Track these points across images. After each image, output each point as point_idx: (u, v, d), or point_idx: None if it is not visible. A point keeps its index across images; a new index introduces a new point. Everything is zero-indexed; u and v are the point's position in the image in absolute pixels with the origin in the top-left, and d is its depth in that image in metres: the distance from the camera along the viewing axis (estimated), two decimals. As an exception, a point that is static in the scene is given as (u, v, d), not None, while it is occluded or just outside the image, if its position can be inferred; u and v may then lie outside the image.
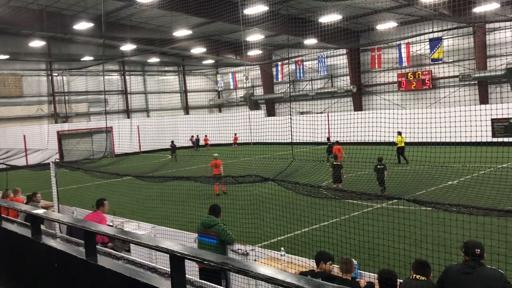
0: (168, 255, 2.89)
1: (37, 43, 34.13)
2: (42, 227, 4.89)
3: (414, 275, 5.00)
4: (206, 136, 41.01)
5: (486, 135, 21.59)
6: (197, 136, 41.57)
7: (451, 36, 31.77)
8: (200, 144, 41.83)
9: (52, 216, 4.60)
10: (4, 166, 16.52)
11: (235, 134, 36.76)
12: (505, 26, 28.03)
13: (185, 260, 2.86)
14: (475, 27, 29.88)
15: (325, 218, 10.11)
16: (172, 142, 34.73)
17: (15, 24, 29.00)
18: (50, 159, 12.00)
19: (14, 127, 35.01)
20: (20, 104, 37.22)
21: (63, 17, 28.33)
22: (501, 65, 29.06)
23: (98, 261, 3.46)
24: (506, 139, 24.91)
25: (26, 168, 17.30)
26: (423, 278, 4.94)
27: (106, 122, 26.17)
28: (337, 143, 23.37)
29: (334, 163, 17.09)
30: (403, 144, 23.13)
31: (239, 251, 7.57)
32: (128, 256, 4.06)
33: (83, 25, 27.68)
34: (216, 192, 17.21)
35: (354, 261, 6.28)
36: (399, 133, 22.83)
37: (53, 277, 4.01)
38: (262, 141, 32.83)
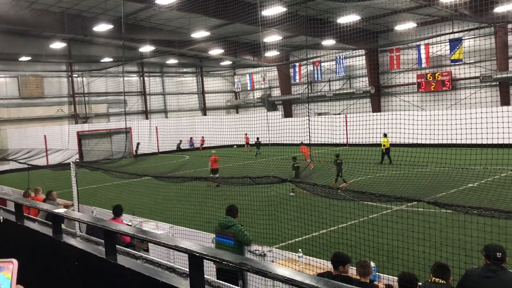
0: (186, 255, 2.90)
1: (58, 45, 34.68)
2: (63, 226, 4.96)
3: (433, 279, 4.93)
4: (202, 137, 40.93)
5: (508, 137, 21.21)
6: (180, 141, 41.48)
7: (472, 36, 31.30)
8: (188, 147, 41.57)
9: (73, 216, 4.66)
10: (25, 166, 16.80)
11: (246, 134, 36.59)
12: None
13: (203, 260, 2.87)
14: (497, 27, 29.39)
15: (343, 220, 10.05)
16: (138, 144, 35.85)
17: (37, 26, 29.50)
18: (71, 159, 12.17)
19: (36, 127, 35.59)
20: (41, 105, 37.87)
21: (83, 19, 28.74)
22: (523, 65, 28.56)
23: (118, 260, 3.49)
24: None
25: (47, 168, 17.55)
26: (442, 282, 4.86)
27: (126, 123, 26.43)
28: (302, 143, 25.02)
29: (295, 165, 17.59)
30: (388, 146, 24.15)
31: (257, 252, 7.58)
32: (146, 255, 4.09)
33: (103, 27, 28.05)
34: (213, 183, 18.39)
35: (372, 263, 6.23)
36: (385, 135, 23.86)
37: (73, 275, 4.06)
38: (279, 142, 32.75)
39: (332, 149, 25.19)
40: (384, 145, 24.44)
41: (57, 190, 12.00)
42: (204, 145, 41.33)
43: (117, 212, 9.29)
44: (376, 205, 12.16)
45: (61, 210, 4.51)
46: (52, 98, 38.57)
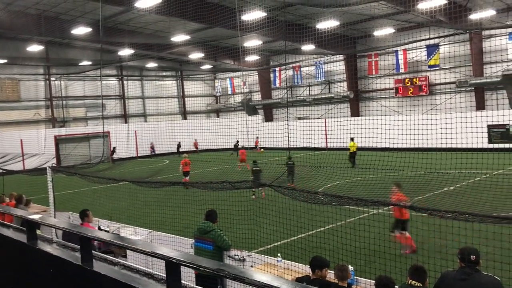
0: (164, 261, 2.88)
1: (35, 48, 34.15)
2: (39, 232, 4.88)
3: (410, 281, 5.01)
4: (195, 140, 40.41)
5: (482, 142, 21.68)
6: (179, 142, 40.48)
7: (448, 42, 31.91)
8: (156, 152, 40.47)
9: (48, 222, 4.59)
10: (0, 171, 16.47)
11: (257, 138, 36.64)
12: (501, 33, 28.18)
13: (181, 266, 2.85)
14: (472, 33, 30.02)
15: (321, 224, 10.12)
16: (114, 148, 36.01)
17: (13, 28, 29.01)
18: (47, 163, 11.98)
19: (12, 131, 34.92)
20: (18, 108, 37.16)
21: (61, 22, 28.35)
22: (496, 72, 29.20)
23: (94, 267, 3.45)
24: (502, 146, 24.99)
25: (23, 172, 17.25)
26: (418, 284, 4.94)
27: (103, 127, 26.15)
28: (243, 147, 26.93)
29: (254, 168, 18.25)
30: (354, 149, 25.24)
31: (236, 257, 7.57)
32: (124, 261, 4.05)
33: (81, 30, 27.72)
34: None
35: (351, 267, 6.29)
36: (352, 139, 24.82)
37: (49, 283, 3.99)
38: (259, 146, 32.79)
39: (311, 153, 25.41)
40: (350, 149, 25.37)
41: (33, 195, 11.81)
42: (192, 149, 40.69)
43: (81, 216, 8.77)
44: (354, 209, 12.26)
45: (35, 216, 4.44)
46: (29, 101, 37.92)
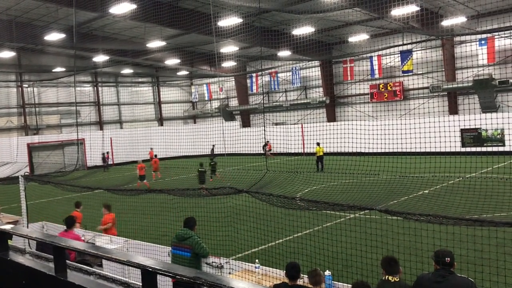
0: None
1: (6, 54, 33.43)
2: (11, 242, 4.76)
3: (387, 276, 5.09)
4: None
5: (455, 145, 22.11)
6: (104, 153, 37.50)
7: (421, 48, 32.54)
8: (109, 163, 38.22)
9: (20, 232, 4.48)
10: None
11: (268, 142, 35.34)
12: (471, 39, 28.87)
13: (158, 274, 2.82)
14: (444, 40, 30.68)
15: (299, 229, 10.15)
16: (103, 153, 36.33)
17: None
18: (20, 172, 11.73)
19: (-18, 139, 34.10)
20: (-12, 116, 36.35)
21: (33, 27, 27.87)
22: (467, 77, 29.88)
23: (68, 277, 3.37)
24: (474, 149, 25.53)
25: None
26: (396, 279, 5.03)
27: (78, 134, 25.75)
28: (155, 156, 28.28)
29: (200, 169, 20.66)
30: (321, 154, 25.92)
31: (214, 264, 7.53)
32: (100, 271, 3.98)
33: (54, 36, 27.29)
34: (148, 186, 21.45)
35: (328, 272, 6.31)
36: (318, 144, 25.69)
37: (21, 295, 3.89)
38: (237, 152, 32.56)
39: (287, 159, 25.51)
40: (317, 153, 26.00)
41: (5, 205, 11.52)
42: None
43: (69, 223, 8.89)
44: (330, 213, 12.35)
45: (7, 226, 4.33)
46: (0, 109, 37.09)
